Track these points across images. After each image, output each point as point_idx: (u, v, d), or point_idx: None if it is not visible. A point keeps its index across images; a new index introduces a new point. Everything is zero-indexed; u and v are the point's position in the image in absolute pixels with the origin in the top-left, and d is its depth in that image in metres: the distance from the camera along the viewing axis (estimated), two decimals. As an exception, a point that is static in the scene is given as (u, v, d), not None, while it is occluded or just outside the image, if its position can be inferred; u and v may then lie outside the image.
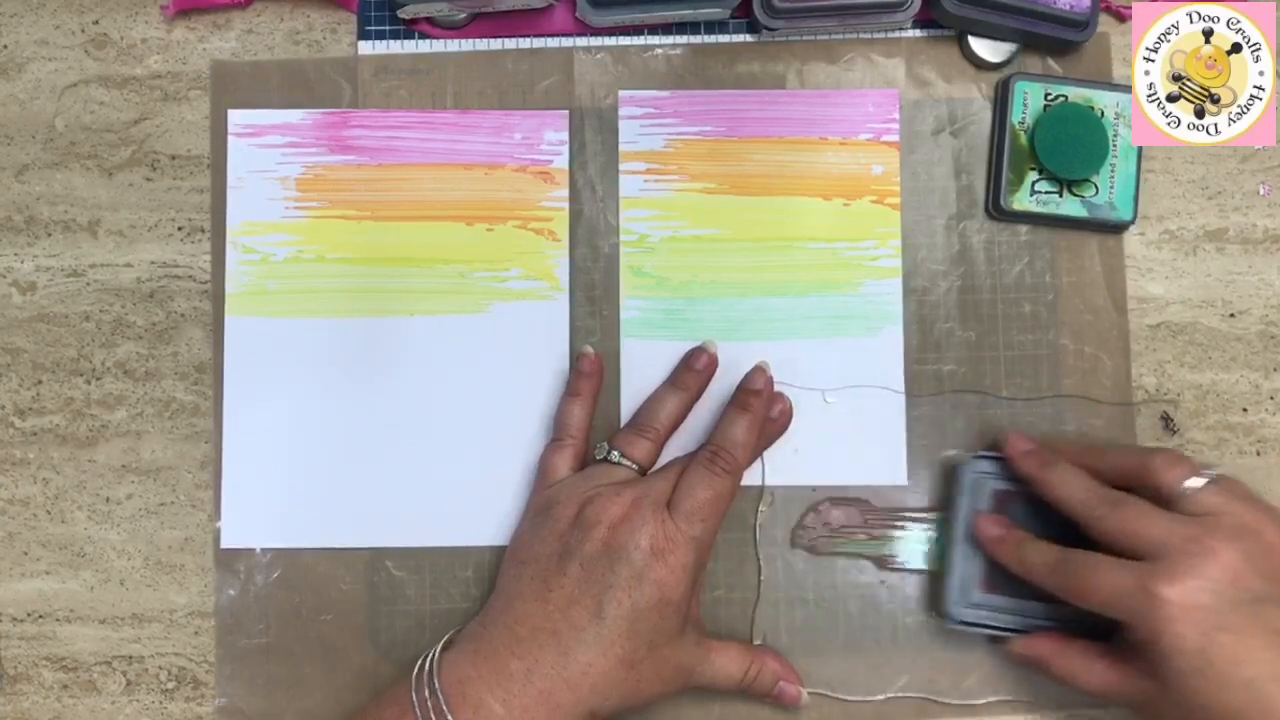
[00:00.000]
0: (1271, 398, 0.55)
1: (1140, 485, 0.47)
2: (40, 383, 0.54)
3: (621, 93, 0.55)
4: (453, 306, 0.54)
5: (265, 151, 0.55)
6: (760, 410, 0.51)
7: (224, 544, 0.53)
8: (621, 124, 0.55)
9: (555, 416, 0.53)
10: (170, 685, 0.53)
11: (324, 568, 0.53)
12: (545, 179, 0.55)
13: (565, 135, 0.55)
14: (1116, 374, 0.54)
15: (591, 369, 0.53)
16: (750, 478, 0.53)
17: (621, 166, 0.55)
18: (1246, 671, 0.42)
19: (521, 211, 0.55)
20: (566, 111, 0.55)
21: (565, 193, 0.55)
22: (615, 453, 0.50)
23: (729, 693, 0.50)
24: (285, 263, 0.54)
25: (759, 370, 0.52)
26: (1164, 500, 0.46)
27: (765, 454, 0.53)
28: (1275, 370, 0.55)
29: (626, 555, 0.46)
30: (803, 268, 0.55)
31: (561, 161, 0.55)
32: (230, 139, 0.55)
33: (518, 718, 0.45)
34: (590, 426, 0.52)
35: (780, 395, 0.52)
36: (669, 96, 0.55)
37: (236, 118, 0.55)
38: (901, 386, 0.54)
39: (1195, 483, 0.46)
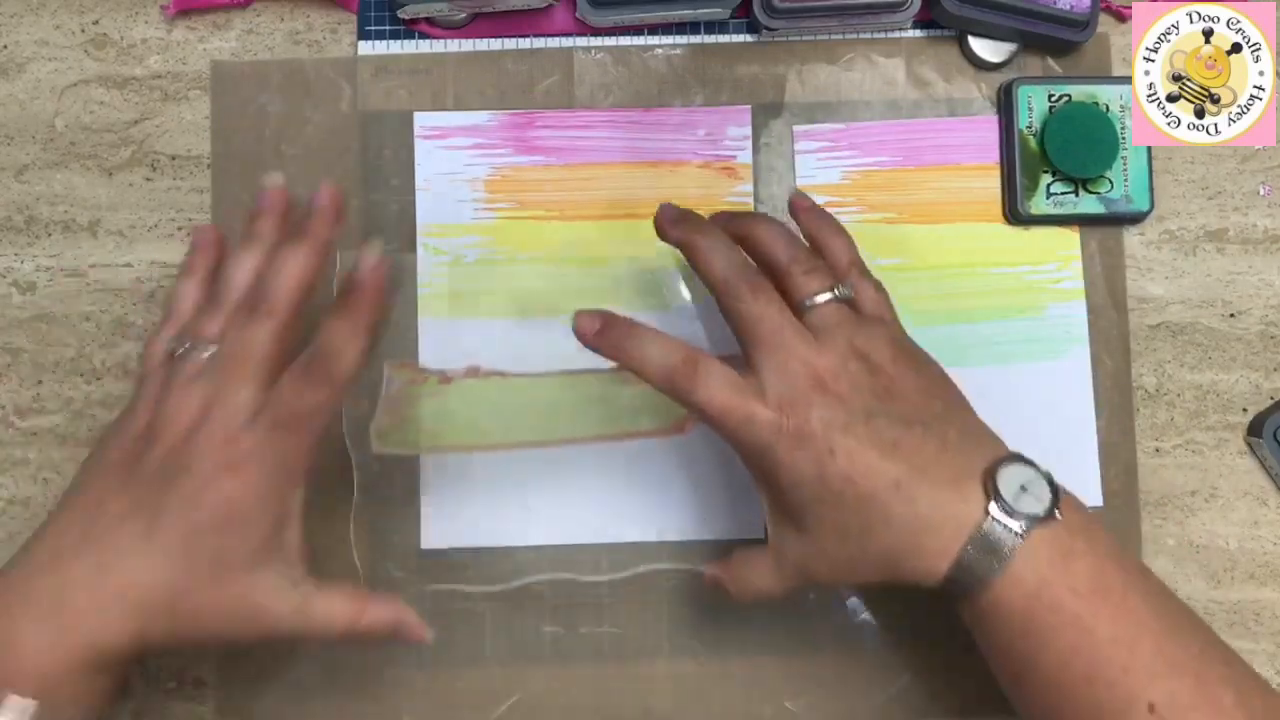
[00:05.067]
0: (1271, 397, 0.55)
1: (780, 288, 0.44)
2: (40, 383, 0.54)
3: (796, 128, 0.55)
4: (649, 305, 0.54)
5: (452, 153, 0.55)
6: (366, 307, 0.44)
7: (224, 544, 0.53)
8: (798, 159, 0.55)
9: None
10: (170, 685, 0.53)
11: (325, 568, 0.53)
12: (729, 174, 0.55)
13: (748, 130, 0.55)
14: (1117, 374, 0.54)
15: None
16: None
17: None
18: (864, 486, 0.41)
19: (707, 207, 0.52)
20: (749, 106, 0.55)
21: (750, 187, 0.55)
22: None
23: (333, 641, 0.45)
24: (476, 264, 0.54)
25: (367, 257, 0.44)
26: (794, 310, 0.44)
27: None
28: (1275, 370, 0.55)
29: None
30: (986, 293, 0.54)
31: (745, 156, 0.55)
32: (417, 141, 0.55)
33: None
34: None
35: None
36: (844, 129, 0.55)
37: (423, 120, 0.55)
38: (1091, 409, 0.54)
39: (820, 298, 0.44)
